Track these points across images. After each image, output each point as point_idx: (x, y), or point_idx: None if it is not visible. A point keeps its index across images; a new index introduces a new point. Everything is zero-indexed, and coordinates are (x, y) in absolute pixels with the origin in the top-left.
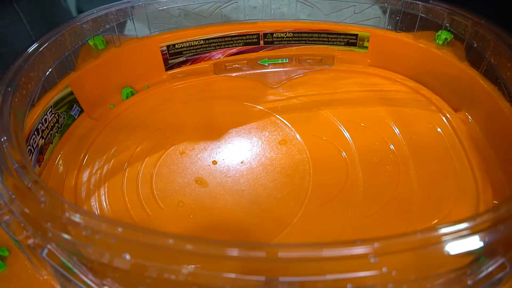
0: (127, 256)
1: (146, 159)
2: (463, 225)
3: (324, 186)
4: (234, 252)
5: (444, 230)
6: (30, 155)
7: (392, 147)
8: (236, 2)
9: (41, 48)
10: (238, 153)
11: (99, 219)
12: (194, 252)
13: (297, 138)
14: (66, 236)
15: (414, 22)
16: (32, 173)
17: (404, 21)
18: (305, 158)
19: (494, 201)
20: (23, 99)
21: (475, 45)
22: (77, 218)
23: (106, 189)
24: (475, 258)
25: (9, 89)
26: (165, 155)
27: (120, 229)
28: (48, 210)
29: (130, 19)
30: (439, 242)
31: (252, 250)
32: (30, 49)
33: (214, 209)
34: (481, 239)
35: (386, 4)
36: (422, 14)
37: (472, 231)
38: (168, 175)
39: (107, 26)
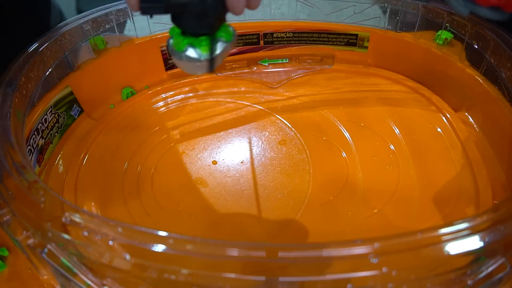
0: (127, 256)
1: (146, 159)
2: (463, 225)
3: (324, 186)
4: (234, 252)
5: (444, 230)
6: (30, 155)
7: (392, 147)
8: None
9: (41, 48)
10: (238, 153)
11: (99, 219)
12: (194, 252)
13: (297, 138)
14: (66, 236)
15: (414, 22)
16: (32, 173)
17: (404, 21)
18: (305, 158)
19: (494, 201)
20: (23, 99)
21: (475, 45)
22: (77, 218)
23: (106, 190)
24: (475, 258)
25: (9, 89)
26: (165, 155)
27: (120, 229)
28: (48, 210)
29: (130, 19)
30: (439, 242)
31: (252, 250)
32: (30, 49)
33: (214, 209)
34: (481, 239)
35: (386, 4)
36: (422, 14)
37: (472, 231)
38: (168, 175)
39: (107, 26)
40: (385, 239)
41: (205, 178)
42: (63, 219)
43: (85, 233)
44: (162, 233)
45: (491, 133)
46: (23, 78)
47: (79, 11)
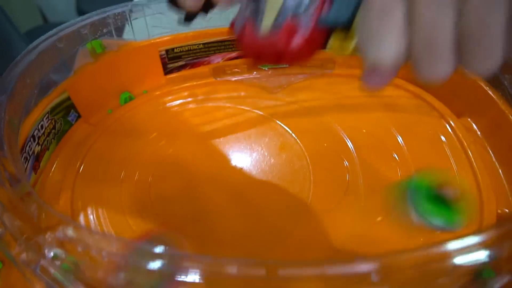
0: (121, 273)
1: (144, 165)
2: (468, 241)
3: (325, 194)
4: (233, 269)
5: (449, 246)
6: (26, 163)
7: (394, 154)
8: (236, 5)
9: (38, 54)
10: (237, 160)
11: (94, 234)
12: (192, 269)
13: (297, 144)
14: (59, 251)
15: None
16: (25, 185)
17: None
18: (305, 165)
19: (498, 210)
20: (18, 106)
21: None
22: (71, 232)
23: (103, 197)
24: (478, 274)
25: (3, 97)
26: (163, 161)
27: (115, 244)
28: (42, 224)
29: (128, 23)
30: (443, 258)
31: (251, 267)
32: (26, 55)
33: (212, 218)
34: (487, 256)
35: None
36: None
37: (477, 247)
38: (166, 182)
39: (105, 30)
40: (388, 256)
41: (204, 186)
42: (57, 234)
43: (80, 248)
44: (159, 249)
45: (494, 140)
46: (18, 85)
47: (79, 11)
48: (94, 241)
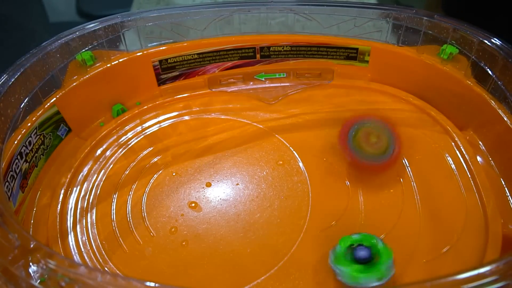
0: None
1: (137, 181)
2: (477, 272)
3: (324, 210)
4: None
5: (457, 277)
6: (12, 182)
7: (395, 169)
8: (231, 15)
9: (24, 69)
10: (233, 174)
11: (78, 267)
12: None
13: (295, 158)
14: (41, 287)
15: (417, 36)
16: (6, 213)
17: (407, 35)
18: (304, 180)
19: (504, 230)
20: (1, 126)
21: (481, 63)
22: (52, 265)
23: (94, 215)
24: None
25: None
26: (157, 177)
27: (100, 279)
28: (21, 256)
29: (120, 34)
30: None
31: None
32: (11, 72)
33: (207, 236)
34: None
35: (388, 19)
36: (426, 30)
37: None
38: (160, 199)
39: (95, 43)
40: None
41: (199, 202)
42: (39, 267)
43: (63, 283)
44: (150, 284)
45: (499, 155)
46: (1, 104)
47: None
48: (77, 274)
